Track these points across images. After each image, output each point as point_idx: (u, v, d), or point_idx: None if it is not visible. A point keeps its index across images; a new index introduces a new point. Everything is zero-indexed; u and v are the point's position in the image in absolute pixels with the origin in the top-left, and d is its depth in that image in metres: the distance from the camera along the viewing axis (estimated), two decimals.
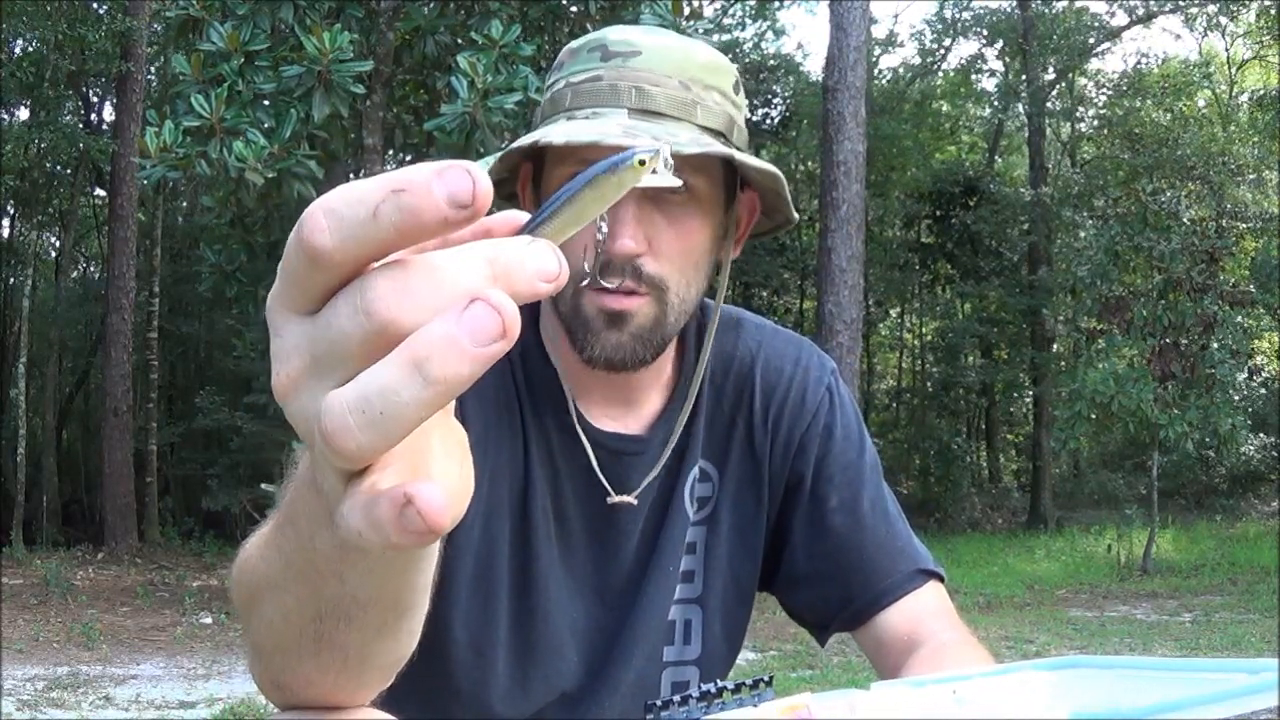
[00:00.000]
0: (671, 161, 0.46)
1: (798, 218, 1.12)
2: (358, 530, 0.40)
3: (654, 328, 1.02)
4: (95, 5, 14.81)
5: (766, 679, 0.69)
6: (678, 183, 0.52)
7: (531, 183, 1.10)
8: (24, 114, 16.41)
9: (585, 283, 0.98)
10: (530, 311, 1.09)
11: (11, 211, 18.15)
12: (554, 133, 0.96)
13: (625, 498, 1.09)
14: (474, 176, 0.38)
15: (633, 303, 1.00)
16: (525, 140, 0.98)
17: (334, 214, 0.38)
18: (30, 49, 14.98)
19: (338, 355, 0.39)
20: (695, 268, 1.04)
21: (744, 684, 0.69)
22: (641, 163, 0.44)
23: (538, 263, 0.39)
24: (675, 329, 1.05)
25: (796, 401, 1.17)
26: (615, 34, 1.03)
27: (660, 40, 1.02)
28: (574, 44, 1.07)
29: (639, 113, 0.98)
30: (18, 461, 14.91)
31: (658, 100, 0.98)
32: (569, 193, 0.43)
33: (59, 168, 17.05)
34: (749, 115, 1.13)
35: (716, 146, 0.97)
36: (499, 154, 1.02)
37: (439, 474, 0.41)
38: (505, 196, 1.15)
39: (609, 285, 0.99)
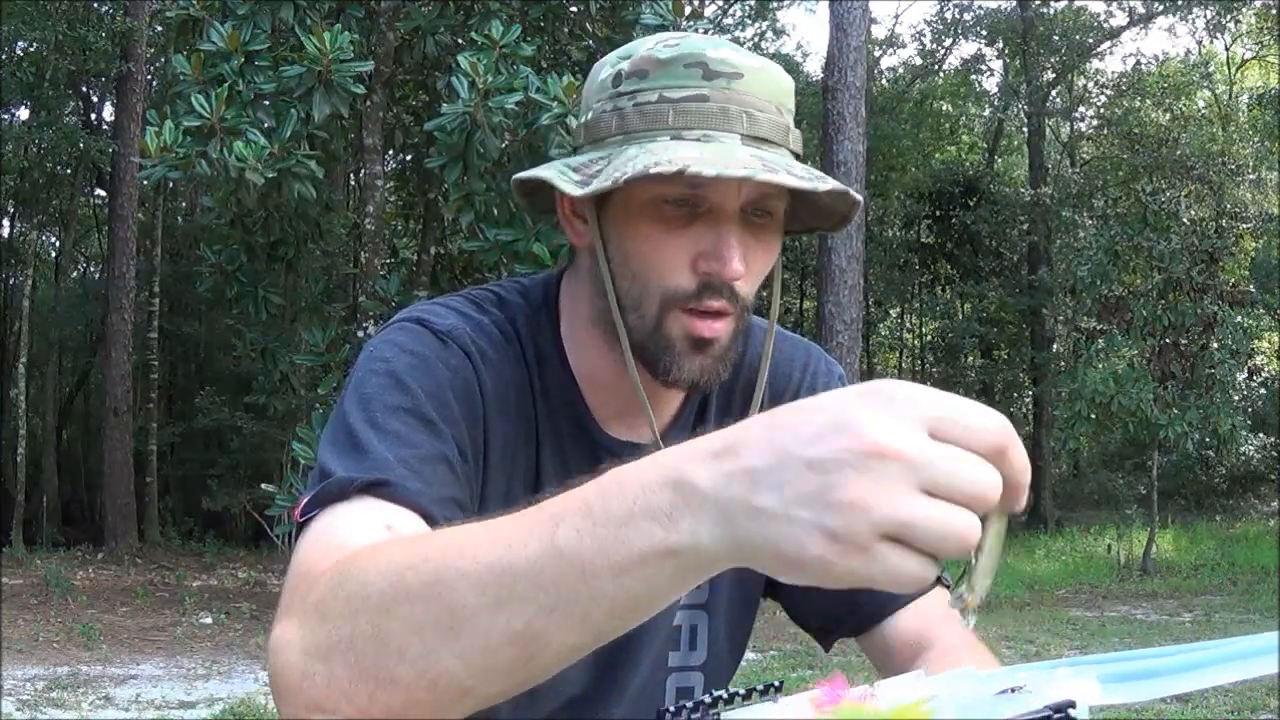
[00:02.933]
0: None
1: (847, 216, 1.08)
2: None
3: (730, 345, 1.02)
4: (95, 5, 14.82)
5: (776, 684, 0.69)
6: None
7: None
8: (24, 114, 16.43)
9: (679, 304, 0.98)
10: (550, 319, 1.09)
11: (11, 211, 18.16)
12: (688, 158, 0.91)
13: None
14: None
15: (720, 326, 1.00)
16: (669, 168, 0.90)
17: None
18: (30, 49, 14.99)
19: None
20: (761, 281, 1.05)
21: (755, 689, 0.69)
22: None
23: None
24: (740, 340, 1.05)
25: None
26: (713, 51, 1.00)
27: (754, 62, 1.01)
28: (655, 53, 1.00)
29: (750, 139, 0.97)
30: (18, 461, 14.92)
31: (764, 127, 0.98)
32: None
33: (59, 168, 17.06)
34: None
35: (829, 181, 0.96)
36: (625, 176, 0.92)
37: None
38: (542, 210, 1.12)
39: (712, 305, 0.98)
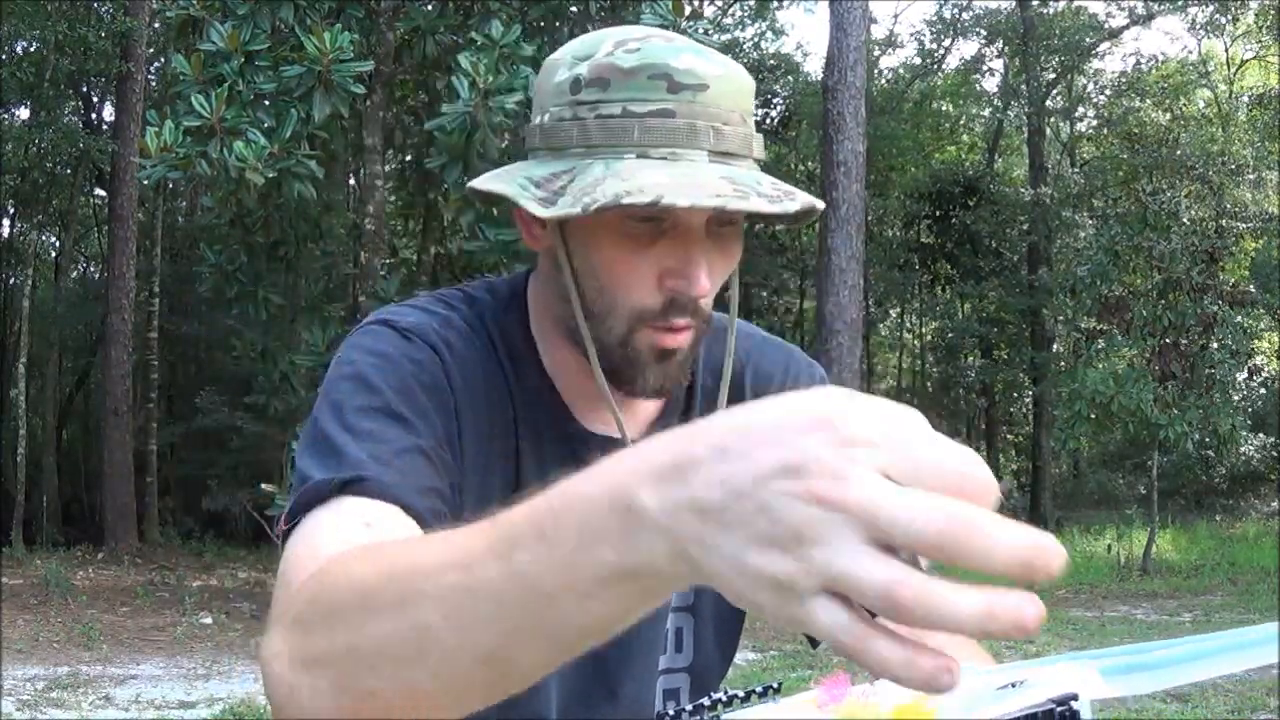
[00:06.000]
0: None
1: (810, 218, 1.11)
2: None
3: (691, 351, 1.04)
4: (95, 5, 14.82)
5: (775, 685, 0.69)
6: None
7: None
8: (24, 114, 16.42)
9: (646, 320, 0.99)
10: (519, 316, 1.09)
11: (11, 211, 18.16)
12: (659, 184, 0.91)
13: None
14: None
15: (683, 338, 1.01)
16: (641, 198, 0.89)
17: None
18: (30, 49, 14.99)
19: None
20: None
21: (754, 691, 0.69)
22: None
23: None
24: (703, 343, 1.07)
25: None
26: (676, 60, 0.97)
27: (719, 70, 0.99)
28: (616, 60, 0.97)
29: (717, 155, 0.96)
30: (18, 461, 14.92)
31: (731, 141, 0.97)
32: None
33: (59, 168, 17.06)
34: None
35: (800, 198, 0.95)
36: (596, 204, 0.91)
37: None
38: (497, 204, 1.14)
39: (677, 323, 0.99)
